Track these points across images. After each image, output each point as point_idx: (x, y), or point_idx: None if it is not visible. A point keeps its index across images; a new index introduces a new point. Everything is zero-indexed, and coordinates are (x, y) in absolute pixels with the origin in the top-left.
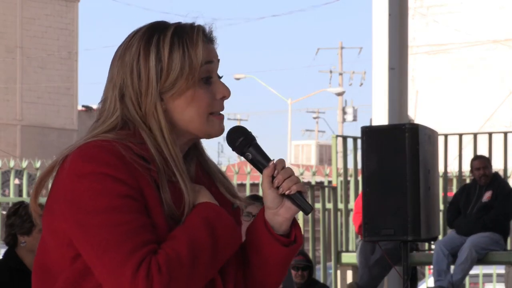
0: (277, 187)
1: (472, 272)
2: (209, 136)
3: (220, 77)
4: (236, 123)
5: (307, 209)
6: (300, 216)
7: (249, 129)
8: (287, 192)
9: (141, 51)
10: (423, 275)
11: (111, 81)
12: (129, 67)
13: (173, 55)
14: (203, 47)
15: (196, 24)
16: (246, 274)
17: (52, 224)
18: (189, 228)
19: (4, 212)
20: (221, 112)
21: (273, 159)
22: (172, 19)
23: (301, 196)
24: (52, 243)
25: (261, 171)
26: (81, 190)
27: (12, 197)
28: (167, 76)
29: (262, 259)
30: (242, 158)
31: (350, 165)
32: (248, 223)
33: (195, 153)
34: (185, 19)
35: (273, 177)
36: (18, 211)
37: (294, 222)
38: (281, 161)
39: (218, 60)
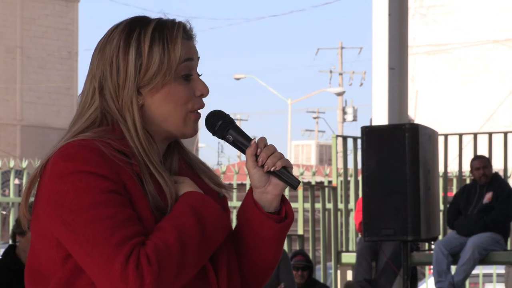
0: (262, 166)
1: (472, 272)
2: (183, 135)
3: (199, 75)
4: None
5: (294, 184)
6: (300, 216)
7: (248, 131)
8: (272, 169)
9: (121, 44)
10: (423, 275)
11: (90, 73)
12: (108, 60)
13: (152, 50)
14: (182, 44)
15: (175, 20)
16: (241, 259)
17: (39, 228)
18: (175, 217)
19: (4, 212)
20: (199, 111)
21: (254, 138)
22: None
23: (286, 171)
24: (41, 247)
25: (244, 152)
26: (64, 190)
27: (12, 197)
28: (146, 70)
29: (256, 239)
30: (242, 158)
31: (350, 165)
32: None
33: (176, 147)
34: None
35: (256, 156)
36: None
37: (283, 199)
38: (263, 139)
39: (198, 58)
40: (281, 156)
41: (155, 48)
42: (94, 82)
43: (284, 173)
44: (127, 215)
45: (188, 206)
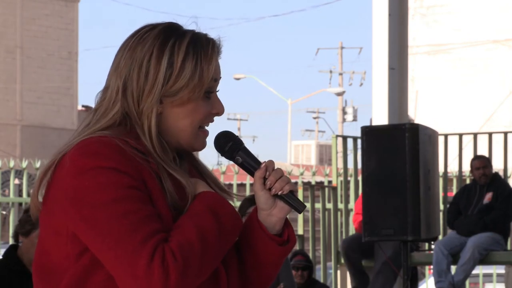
0: (269, 188)
1: (472, 272)
2: (192, 148)
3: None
4: (236, 123)
5: (300, 208)
6: (300, 216)
7: (248, 131)
8: (279, 193)
9: (155, 51)
10: (423, 275)
11: (116, 70)
12: (138, 62)
13: (185, 64)
14: (216, 65)
15: (210, 37)
16: (240, 272)
17: (53, 224)
18: (195, 216)
19: (4, 212)
20: (206, 128)
21: (263, 162)
22: (172, 19)
23: (293, 196)
24: (52, 243)
25: (251, 174)
26: (85, 186)
27: (12, 197)
28: (174, 82)
29: (257, 258)
30: None
31: (350, 165)
32: None
33: (186, 153)
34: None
35: (265, 179)
36: (28, 211)
37: (286, 222)
38: (271, 162)
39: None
40: (288, 181)
41: (188, 63)
42: (119, 80)
43: (290, 197)
44: (149, 212)
45: (205, 205)
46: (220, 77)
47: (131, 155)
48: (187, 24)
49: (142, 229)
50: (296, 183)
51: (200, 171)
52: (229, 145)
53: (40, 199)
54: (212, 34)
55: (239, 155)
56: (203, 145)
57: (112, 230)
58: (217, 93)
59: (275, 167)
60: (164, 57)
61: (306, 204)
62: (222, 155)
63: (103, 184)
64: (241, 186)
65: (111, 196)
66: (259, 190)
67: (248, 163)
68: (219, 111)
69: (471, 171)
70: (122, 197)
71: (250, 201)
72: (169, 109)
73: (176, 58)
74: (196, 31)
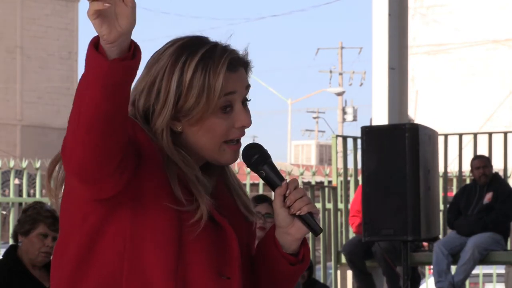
0: (288, 207)
1: (472, 272)
2: (219, 163)
3: (246, 102)
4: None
5: (317, 231)
6: None
7: (248, 131)
8: (297, 213)
9: (167, 69)
10: (423, 275)
11: (135, 83)
12: (151, 79)
13: (193, 82)
14: (225, 78)
15: (228, 48)
16: (255, 284)
17: (68, 192)
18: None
19: (4, 212)
20: (239, 140)
21: (286, 179)
22: (172, 19)
23: (311, 218)
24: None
25: (273, 189)
26: None
27: (12, 197)
28: (184, 102)
29: (270, 274)
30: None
31: (350, 165)
32: (267, 224)
33: (218, 168)
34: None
35: (285, 197)
36: (28, 210)
37: (304, 242)
38: (294, 181)
39: (247, 87)
40: (308, 202)
41: (195, 81)
42: (132, 95)
43: (308, 218)
44: None
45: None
46: (246, 86)
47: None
48: (221, 35)
49: None
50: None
51: (229, 188)
52: (255, 157)
53: (53, 185)
54: (213, 32)
55: (263, 169)
56: (231, 159)
57: None
58: (248, 103)
59: (298, 186)
60: (174, 76)
61: None
62: (247, 166)
63: None
64: (254, 186)
65: None
66: (278, 207)
67: (271, 178)
68: (244, 123)
69: (471, 171)
70: None
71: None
72: (187, 128)
73: (185, 76)
74: (218, 43)
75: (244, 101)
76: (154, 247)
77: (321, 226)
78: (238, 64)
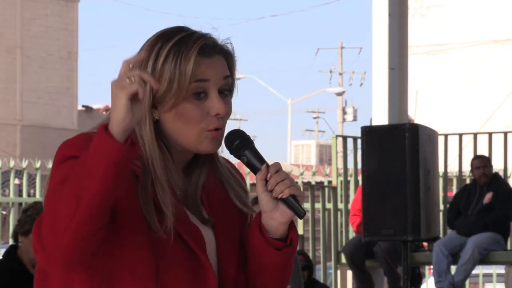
0: (271, 191)
1: (472, 272)
2: (198, 151)
3: (225, 92)
4: (236, 123)
5: (300, 214)
6: None
7: (248, 131)
8: (279, 196)
9: (144, 59)
10: (423, 275)
11: None
12: None
13: (164, 68)
14: (196, 63)
15: (205, 34)
16: (248, 281)
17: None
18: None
19: (4, 212)
20: (219, 128)
21: (265, 164)
22: (173, 19)
23: (293, 200)
24: None
25: (256, 174)
26: (52, 176)
27: (12, 197)
28: (158, 87)
29: (258, 263)
30: None
31: (350, 165)
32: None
33: (208, 160)
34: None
35: (266, 181)
36: (28, 210)
37: (292, 226)
38: (275, 165)
39: (227, 77)
40: (290, 184)
41: (167, 66)
42: None
43: (291, 201)
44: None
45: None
46: (224, 76)
47: None
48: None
49: None
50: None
51: (221, 180)
52: (236, 143)
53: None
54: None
55: (244, 155)
56: (211, 148)
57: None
58: (230, 93)
59: (280, 169)
60: (149, 63)
61: (306, 204)
62: (230, 153)
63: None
64: (254, 186)
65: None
66: (260, 192)
67: (253, 164)
68: (219, 111)
69: (471, 171)
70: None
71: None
72: (163, 115)
73: (158, 62)
74: (197, 31)
75: (224, 91)
76: (131, 279)
77: (320, 226)
78: (214, 50)
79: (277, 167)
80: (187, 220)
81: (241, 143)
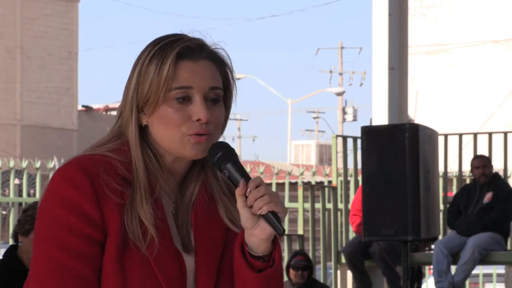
0: (251, 207)
1: (472, 272)
2: (183, 156)
3: (214, 99)
4: (236, 123)
5: (279, 232)
6: (300, 216)
7: (248, 131)
8: (258, 212)
9: (134, 63)
10: (423, 275)
11: None
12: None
13: (147, 71)
14: (176, 67)
15: (192, 38)
16: None
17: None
18: None
19: (4, 212)
20: (201, 135)
21: (243, 179)
22: (173, 19)
23: (272, 217)
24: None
25: None
26: (43, 211)
27: (12, 197)
28: (141, 91)
29: (239, 281)
30: (243, 157)
31: (350, 165)
32: None
33: (202, 171)
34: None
35: (246, 197)
36: (28, 210)
37: (275, 242)
38: (255, 180)
39: (213, 87)
40: (269, 200)
41: (150, 69)
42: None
43: (270, 218)
44: (70, 266)
45: None
46: (212, 82)
47: (101, 186)
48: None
49: (56, 281)
50: (296, 183)
51: (212, 192)
52: (218, 156)
53: None
54: (213, 32)
55: (226, 169)
56: (194, 152)
57: (37, 268)
58: (218, 102)
59: (260, 184)
60: (137, 67)
61: (306, 204)
62: (212, 166)
63: (53, 217)
64: None
65: (50, 234)
66: (240, 208)
67: (234, 178)
68: (200, 117)
69: (471, 171)
70: (59, 239)
71: None
72: (148, 119)
73: (142, 66)
74: (187, 37)
75: (210, 98)
76: None
77: (320, 226)
78: (200, 54)
79: (257, 183)
80: (167, 243)
81: (223, 155)
